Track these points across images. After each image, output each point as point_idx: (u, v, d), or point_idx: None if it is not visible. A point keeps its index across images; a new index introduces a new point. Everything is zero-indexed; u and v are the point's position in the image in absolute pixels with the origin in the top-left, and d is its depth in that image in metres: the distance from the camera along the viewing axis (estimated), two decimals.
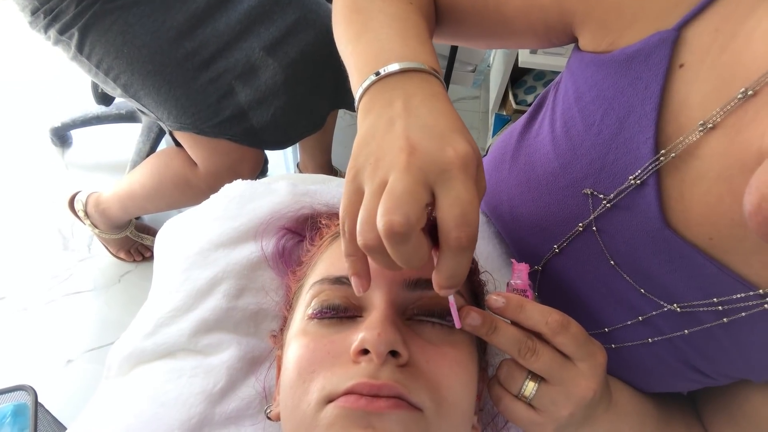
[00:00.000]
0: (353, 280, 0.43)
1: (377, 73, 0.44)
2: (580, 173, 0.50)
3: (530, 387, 0.46)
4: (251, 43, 1.12)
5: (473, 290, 0.55)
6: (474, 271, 0.57)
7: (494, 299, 0.45)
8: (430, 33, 0.56)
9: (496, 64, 2.06)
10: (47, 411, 0.97)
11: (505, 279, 0.65)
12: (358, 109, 0.46)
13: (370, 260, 0.47)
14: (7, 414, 0.82)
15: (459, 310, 0.46)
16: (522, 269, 0.49)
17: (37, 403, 0.84)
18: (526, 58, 1.66)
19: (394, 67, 0.44)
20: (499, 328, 0.45)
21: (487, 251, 0.65)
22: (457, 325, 0.45)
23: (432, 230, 0.39)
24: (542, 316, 0.44)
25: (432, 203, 0.38)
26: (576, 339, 0.44)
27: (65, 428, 0.92)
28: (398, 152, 0.38)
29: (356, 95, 0.46)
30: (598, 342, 0.47)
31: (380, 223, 0.36)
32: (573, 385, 0.45)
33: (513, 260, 0.49)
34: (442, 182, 0.37)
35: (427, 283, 0.47)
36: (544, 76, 1.93)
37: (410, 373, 0.42)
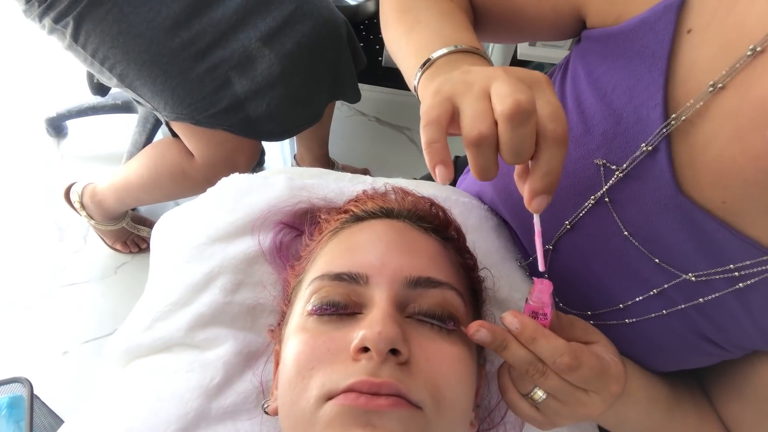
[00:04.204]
0: (438, 170, 0.39)
1: (443, 53, 0.49)
2: (592, 144, 0.51)
3: (539, 394, 0.46)
4: (248, 33, 1.11)
5: (472, 287, 0.55)
6: (473, 267, 0.57)
7: (510, 321, 0.44)
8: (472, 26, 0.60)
9: (495, 56, 2.05)
10: (43, 403, 0.96)
11: (504, 274, 0.64)
12: (418, 84, 0.50)
13: (365, 255, 0.48)
14: (3, 406, 0.82)
15: (470, 324, 0.45)
16: (544, 289, 0.45)
17: (32, 395, 0.84)
18: (524, 50, 1.65)
19: (457, 48, 0.49)
20: (509, 348, 0.44)
21: (485, 247, 0.65)
22: (542, 267, 0.43)
23: None
24: (552, 355, 0.43)
25: None
26: (586, 379, 0.44)
27: (62, 420, 0.92)
28: (493, 71, 0.40)
29: (418, 72, 0.50)
30: (614, 371, 0.46)
31: (507, 102, 0.36)
32: (580, 407, 0.45)
33: (535, 279, 0.46)
34: (536, 88, 0.39)
35: (428, 282, 0.47)
36: (542, 69, 1.93)
37: (410, 371, 0.42)
